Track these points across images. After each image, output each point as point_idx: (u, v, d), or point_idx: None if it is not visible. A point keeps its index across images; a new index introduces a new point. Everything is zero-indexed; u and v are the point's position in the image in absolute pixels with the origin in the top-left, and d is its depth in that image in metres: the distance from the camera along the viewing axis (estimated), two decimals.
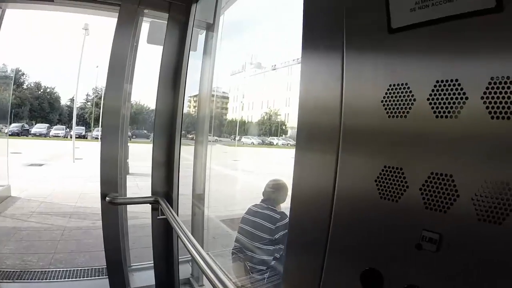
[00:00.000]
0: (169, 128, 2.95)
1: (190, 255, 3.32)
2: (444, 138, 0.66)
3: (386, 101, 0.77)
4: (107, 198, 2.67)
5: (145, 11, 2.97)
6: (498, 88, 0.58)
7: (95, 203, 7.68)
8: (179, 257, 3.09)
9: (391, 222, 0.75)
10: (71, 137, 27.36)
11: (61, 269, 4.09)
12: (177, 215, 2.76)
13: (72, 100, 41.50)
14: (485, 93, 0.60)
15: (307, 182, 1.01)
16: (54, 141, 31.49)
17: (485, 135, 0.60)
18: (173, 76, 2.90)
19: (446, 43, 0.67)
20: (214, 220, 5.63)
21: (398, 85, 0.75)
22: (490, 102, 0.59)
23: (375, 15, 0.81)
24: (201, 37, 3.29)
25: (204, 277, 3.21)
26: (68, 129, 37.20)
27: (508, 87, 0.57)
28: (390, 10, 0.77)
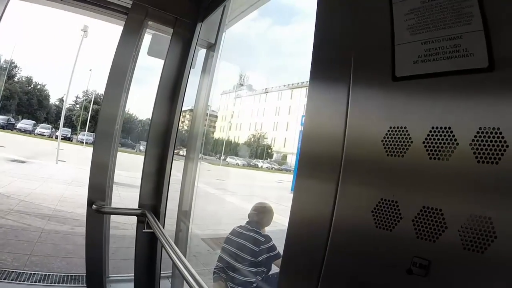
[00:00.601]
0: (163, 141, 2.99)
1: (170, 271, 3.36)
2: (436, 177, 0.74)
3: (386, 140, 0.85)
4: (93, 205, 2.67)
5: (149, 23, 3.05)
6: (484, 137, 0.68)
7: (76, 208, 7.67)
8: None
9: (384, 249, 0.83)
10: (56, 138, 27.04)
11: (37, 273, 4.01)
12: (164, 228, 2.78)
13: (61, 100, 41.14)
14: (473, 140, 0.69)
15: (306, 208, 1.08)
16: (39, 139, 31.02)
17: (471, 177, 0.69)
18: (171, 90, 2.96)
19: (443, 94, 0.77)
20: (196, 238, 5.61)
21: (397, 127, 0.84)
22: (477, 149, 0.68)
23: (382, 62, 0.90)
24: (200, 54, 3.36)
25: None
26: (54, 129, 36.74)
27: (493, 137, 0.66)
28: (395, 60, 0.87)
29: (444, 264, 0.72)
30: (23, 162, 15.48)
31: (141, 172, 2.97)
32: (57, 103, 43.80)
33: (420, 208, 0.76)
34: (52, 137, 33.52)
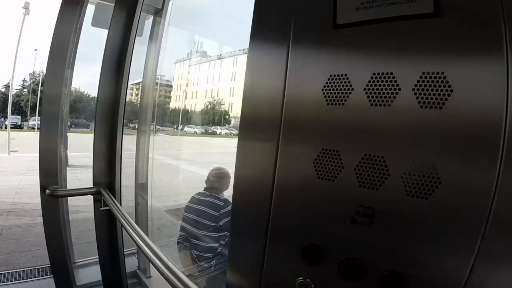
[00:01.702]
0: (111, 116, 2.85)
1: (136, 247, 3.32)
2: (378, 124, 0.73)
3: (326, 89, 0.83)
4: (47, 190, 2.55)
5: None
6: (428, 81, 0.67)
7: (34, 198, 7.37)
8: (125, 250, 3.05)
9: (328, 200, 0.82)
10: (5, 127, 25.62)
11: (2, 272, 3.83)
12: (121, 205, 2.71)
13: (7, 86, 38.58)
14: (416, 85, 0.68)
15: (249, 170, 1.05)
16: None
17: (414, 122, 0.68)
18: (117, 62, 2.80)
19: (386, 41, 0.75)
20: (158, 211, 5.58)
21: (338, 75, 0.81)
22: (420, 93, 0.67)
23: (323, 11, 0.86)
24: (148, 22, 3.21)
25: (151, 268, 3.21)
26: (2, 119, 34.70)
27: (437, 81, 0.66)
28: (337, 7, 0.83)
29: (387, 211, 0.72)
30: None
31: (92, 151, 2.86)
32: (3, 89, 41.08)
33: (362, 156, 0.76)
34: (1, 127, 31.72)
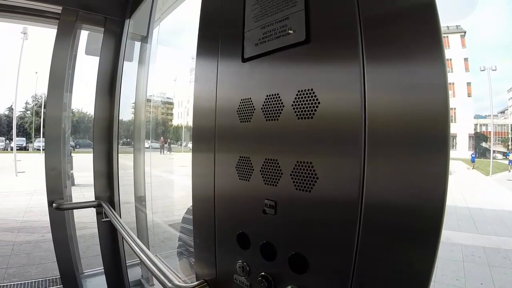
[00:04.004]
0: (108, 134, 3.08)
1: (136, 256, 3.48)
2: (272, 134, 0.93)
3: (238, 110, 1.05)
4: (54, 204, 2.77)
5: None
6: (302, 97, 0.85)
7: (43, 216, 7.55)
8: (130, 260, 3.26)
9: (246, 196, 1.02)
10: (11, 149, 25.94)
11: (16, 283, 4.10)
12: (120, 217, 2.91)
13: (10, 109, 38.88)
14: (294, 101, 0.87)
15: (199, 180, 1.27)
16: None
17: (294, 130, 0.87)
18: (109, 85, 3.04)
19: (274, 68, 0.95)
20: (162, 224, 5.74)
21: (245, 99, 1.03)
22: (297, 108, 0.86)
23: (236, 46, 1.08)
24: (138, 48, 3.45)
25: (153, 277, 3.35)
26: (7, 141, 34.84)
27: (308, 97, 0.84)
28: (244, 44, 1.05)
29: (285, 203, 0.91)
30: None
31: (93, 167, 3.07)
32: (6, 112, 41.35)
33: (264, 160, 0.95)
34: (7, 150, 32.18)
